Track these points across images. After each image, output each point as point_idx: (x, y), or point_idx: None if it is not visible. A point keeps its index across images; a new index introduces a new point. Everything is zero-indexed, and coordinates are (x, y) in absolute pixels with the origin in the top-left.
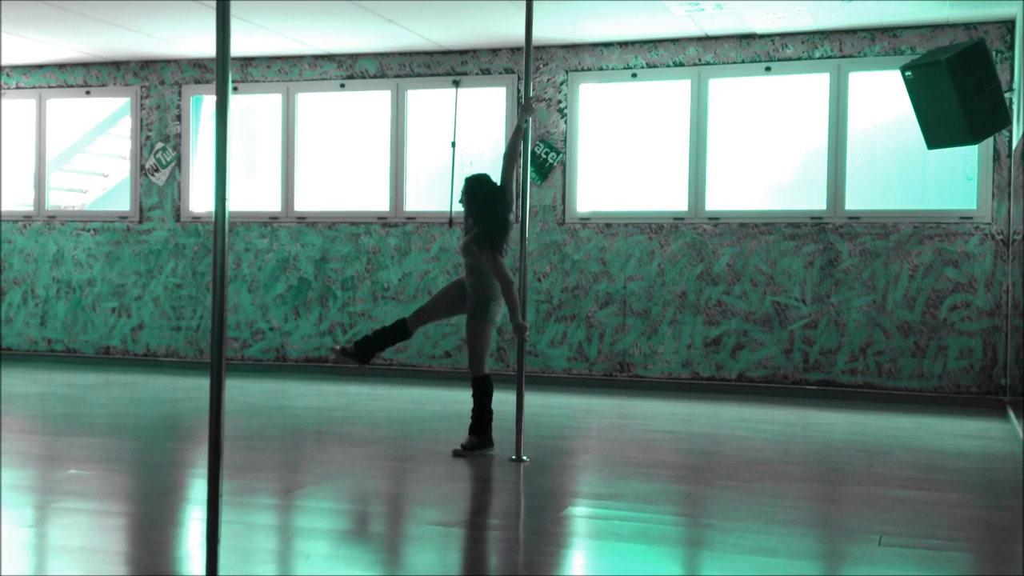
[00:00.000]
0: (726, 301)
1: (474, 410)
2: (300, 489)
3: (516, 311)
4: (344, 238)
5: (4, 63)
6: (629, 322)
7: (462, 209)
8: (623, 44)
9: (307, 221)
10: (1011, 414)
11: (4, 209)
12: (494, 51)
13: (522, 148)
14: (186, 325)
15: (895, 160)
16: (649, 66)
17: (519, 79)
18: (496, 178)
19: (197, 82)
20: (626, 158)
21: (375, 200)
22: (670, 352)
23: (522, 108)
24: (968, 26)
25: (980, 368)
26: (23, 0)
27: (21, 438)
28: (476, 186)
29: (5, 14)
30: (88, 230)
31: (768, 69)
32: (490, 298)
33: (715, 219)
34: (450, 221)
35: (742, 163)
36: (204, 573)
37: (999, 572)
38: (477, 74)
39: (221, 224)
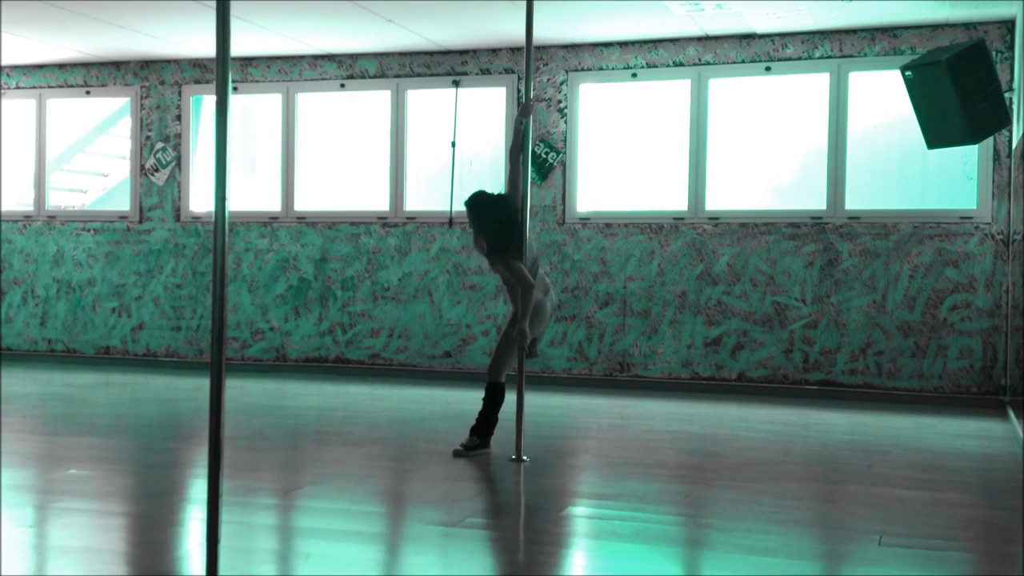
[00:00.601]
0: (726, 301)
1: (481, 412)
2: (300, 489)
3: (524, 316)
4: (344, 238)
5: (4, 63)
6: (629, 322)
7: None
8: (623, 44)
9: (307, 221)
10: (1011, 414)
11: (4, 209)
12: (494, 51)
13: (524, 149)
14: (186, 325)
15: (895, 160)
16: (649, 66)
17: (519, 79)
18: (496, 189)
19: (197, 82)
20: (626, 158)
21: (375, 200)
22: (670, 352)
23: (520, 109)
24: (968, 26)
25: (980, 368)
26: (23, 0)
27: (21, 438)
28: (476, 204)
29: (5, 14)
30: (88, 230)
31: (768, 69)
32: None
33: (715, 219)
34: (450, 221)
35: (742, 163)
36: (204, 573)
37: (999, 572)
38: (477, 74)
39: (221, 224)
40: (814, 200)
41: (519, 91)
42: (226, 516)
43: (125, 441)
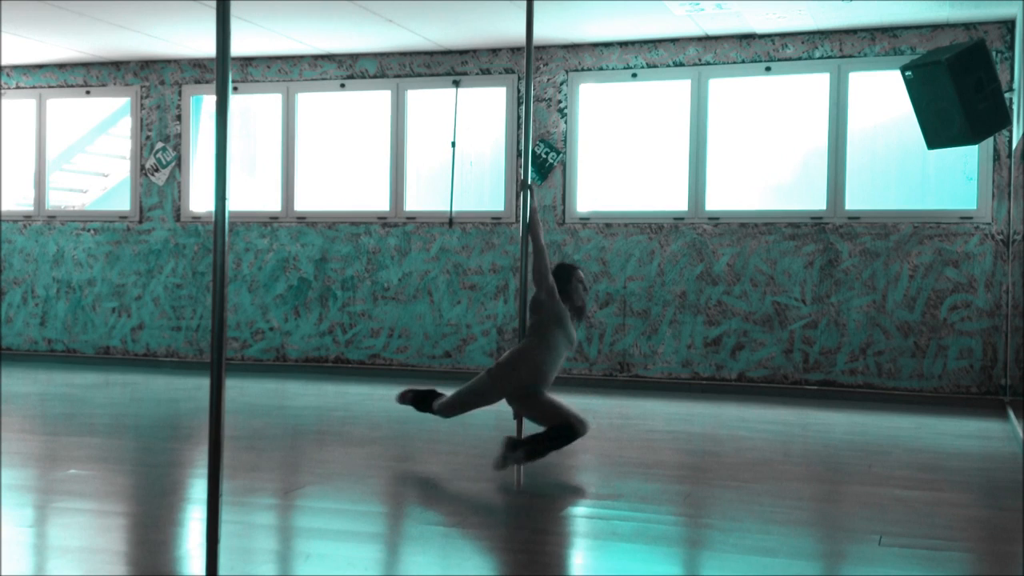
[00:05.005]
0: (726, 301)
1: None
2: (300, 489)
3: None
4: (344, 238)
5: (4, 63)
6: (629, 322)
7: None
8: (623, 44)
9: (307, 221)
10: (1011, 414)
11: (4, 209)
12: (494, 51)
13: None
14: (186, 325)
15: (895, 160)
16: (649, 66)
17: (519, 79)
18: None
19: (197, 82)
20: (626, 158)
21: (375, 200)
22: (670, 352)
23: (523, 188)
24: (968, 26)
25: (980, 368)
26: (23, 0)
27: (21, 438)
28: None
29: (5, 14)
30: (88, 230)
31: (768, 69)
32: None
33: (715, 219)
34: (450, 221)
35: (742, 163)
36: (204, 573)
37: (999, 572)
38: (477, 74)
39: (221, 224)
40: (814, 200)
41: (519, 91)
42: (226, 516)
43: (125, 441)
